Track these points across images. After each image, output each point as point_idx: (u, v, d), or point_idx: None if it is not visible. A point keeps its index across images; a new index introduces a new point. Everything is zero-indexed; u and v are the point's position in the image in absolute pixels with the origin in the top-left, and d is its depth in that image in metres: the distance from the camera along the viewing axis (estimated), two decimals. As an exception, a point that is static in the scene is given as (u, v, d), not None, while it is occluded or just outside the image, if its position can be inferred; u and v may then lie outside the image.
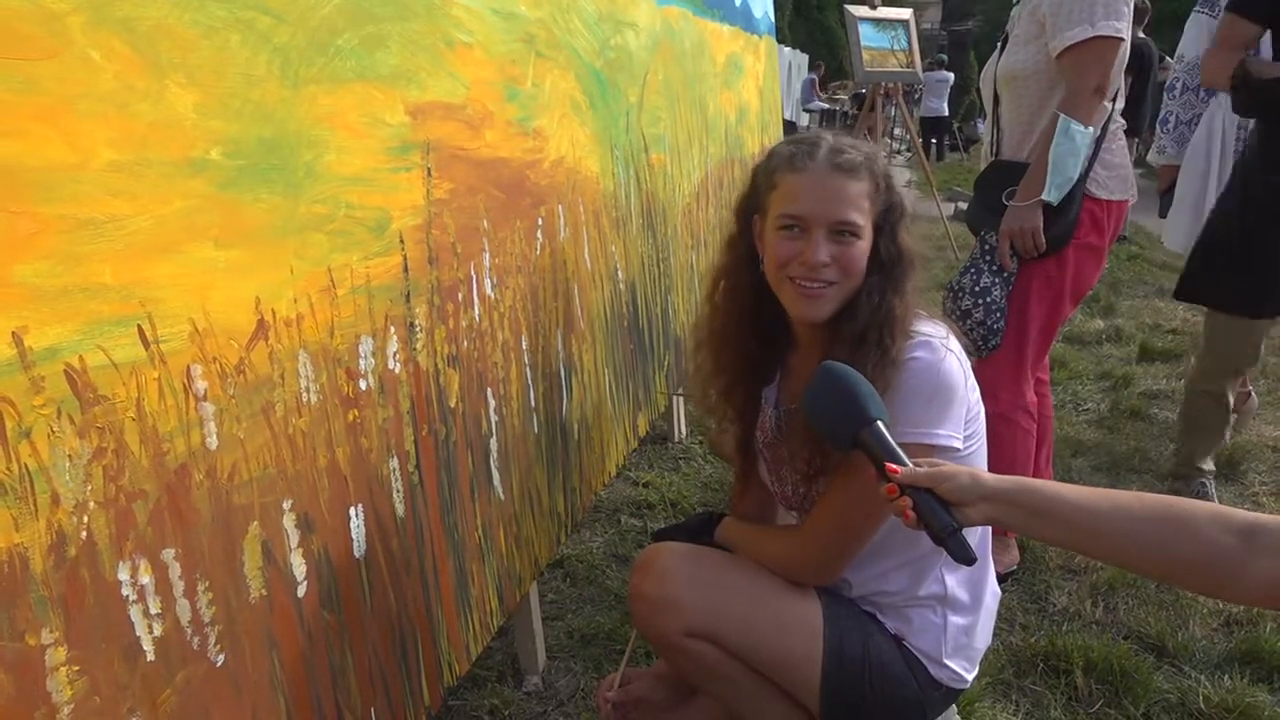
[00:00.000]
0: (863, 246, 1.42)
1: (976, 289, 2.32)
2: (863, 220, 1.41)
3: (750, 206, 1.53)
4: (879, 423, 1.17)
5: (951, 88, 16.52)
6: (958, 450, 1.40)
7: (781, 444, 1.57)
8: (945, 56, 16.97)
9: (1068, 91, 2.18)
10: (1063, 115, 2.15)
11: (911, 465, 1.14)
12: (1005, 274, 2.31)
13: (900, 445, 1.17)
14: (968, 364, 1.46)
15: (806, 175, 1.41)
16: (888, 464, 1.14)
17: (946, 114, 16.34)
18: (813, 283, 1.40)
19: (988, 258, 2.33)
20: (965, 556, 1.09)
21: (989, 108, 2.55)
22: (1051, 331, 2.40)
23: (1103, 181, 2.27)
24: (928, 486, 1.11)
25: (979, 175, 2.51)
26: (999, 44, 2.50)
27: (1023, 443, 2.39)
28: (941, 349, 1.40)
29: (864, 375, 1.26)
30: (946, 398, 1.38)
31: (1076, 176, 2.20)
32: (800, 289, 1.42)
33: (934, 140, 16.07)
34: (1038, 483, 1.12)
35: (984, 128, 2.94)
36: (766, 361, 1.59)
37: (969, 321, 2.31)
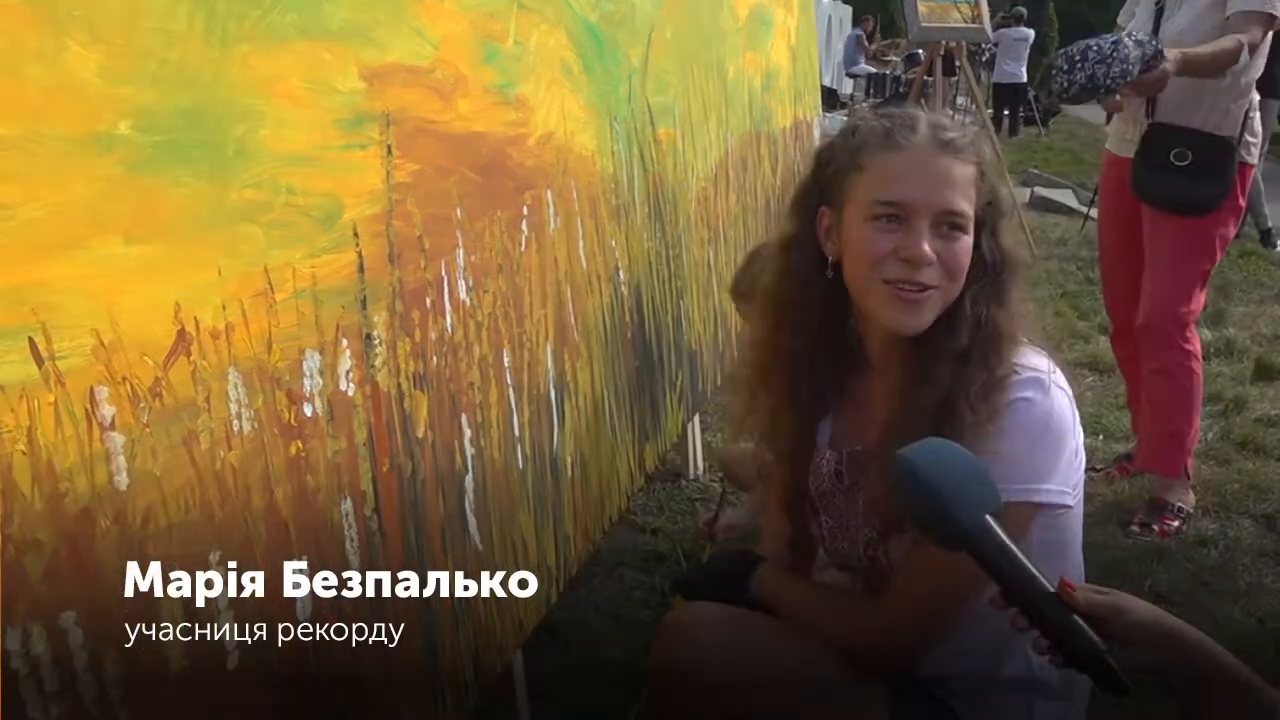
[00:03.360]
0: (967, 243, 1.41)
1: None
2: (969, 211, 1.41)
3: (816, 198, 1.50)
4: (989, 518, 1.13)
5: (1031, 48, 16.43)
6: (1068, 507, 1.41)
7: (842, 495, 1.55)
8: (1024, 10, 16.82)
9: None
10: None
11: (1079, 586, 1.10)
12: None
13: (1003, 504, 1.14)
14: (1073, 400, 1.45)
15: (907, 154, 1.39)
16: (1062, 582, 1.10)
17: (1025, 80, 16.22)
18: (913, 285, 1.38)
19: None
20: (1119, 685, 1.06)
21: None
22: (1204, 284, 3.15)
23: (1250, 148, 2.98)
24: (1106, 615, 1.07)
25: (1140, 141, 3.04)
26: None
27: (1191, 386, 3.04)
28: (1051, 386, 1.40)
29: (966, 403, 1.32)
30: (1057, 445, 1.39)
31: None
32: (896, 292, 1.39)
33: (1006, 112, 15.99)
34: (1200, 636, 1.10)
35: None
36: (828, 389, 1.56)
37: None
